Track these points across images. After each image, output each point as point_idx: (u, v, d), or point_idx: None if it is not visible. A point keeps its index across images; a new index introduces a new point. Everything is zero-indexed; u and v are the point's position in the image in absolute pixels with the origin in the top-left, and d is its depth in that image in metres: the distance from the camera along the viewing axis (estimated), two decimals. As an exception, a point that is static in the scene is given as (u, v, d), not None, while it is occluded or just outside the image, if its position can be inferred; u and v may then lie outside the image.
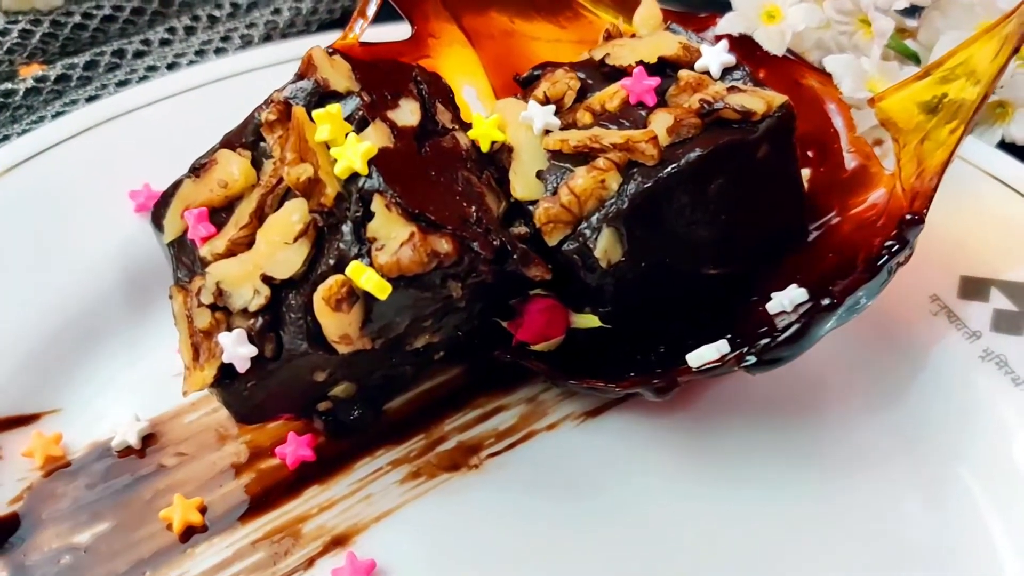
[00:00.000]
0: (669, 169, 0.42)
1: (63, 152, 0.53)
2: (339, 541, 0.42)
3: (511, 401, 0.47)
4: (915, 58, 0.54)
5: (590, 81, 0.47)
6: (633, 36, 0.49)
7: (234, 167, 0.42)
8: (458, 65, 0.54)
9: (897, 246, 0.41)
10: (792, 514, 0.43)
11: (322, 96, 0.41)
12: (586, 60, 0.49)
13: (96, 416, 0.47)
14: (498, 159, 0.45)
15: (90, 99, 0.60)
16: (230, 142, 0.43)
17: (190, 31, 0.67)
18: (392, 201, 0.38)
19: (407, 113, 0.43)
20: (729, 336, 0.44)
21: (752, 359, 0.41)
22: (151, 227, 0.47)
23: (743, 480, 0.44)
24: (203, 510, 0.43)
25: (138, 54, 0.64)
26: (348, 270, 0.38)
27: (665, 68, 0.46)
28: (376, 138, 0.40)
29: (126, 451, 0.46)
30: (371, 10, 0.51)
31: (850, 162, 0.49)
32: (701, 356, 0.42)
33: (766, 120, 0.43)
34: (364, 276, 0.37)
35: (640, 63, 0.46)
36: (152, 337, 0.50)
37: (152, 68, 0.62)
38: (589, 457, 0.45)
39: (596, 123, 0.45)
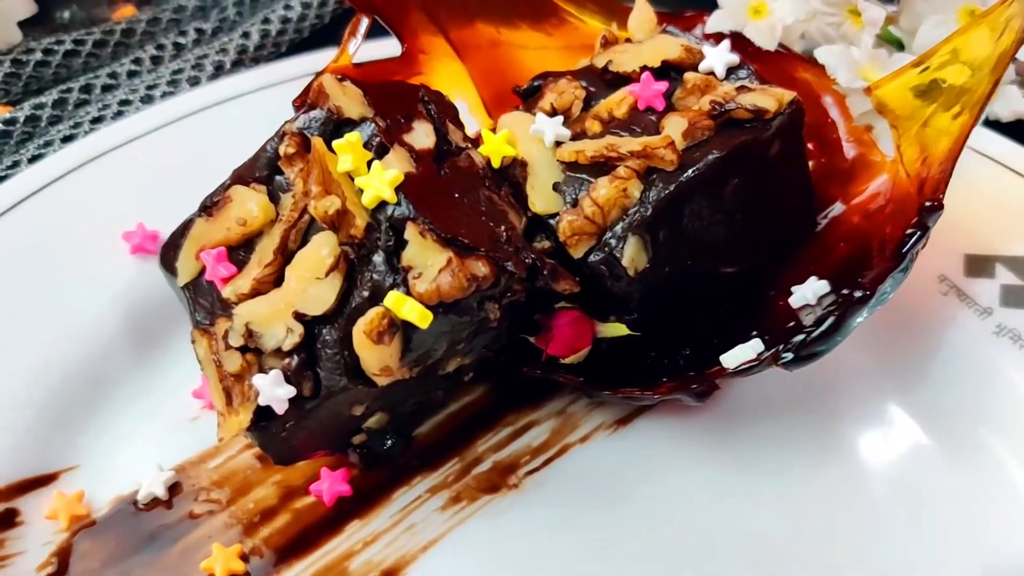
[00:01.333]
0: (690, 173, 0.42)
1: (49, 198, 0.51)
2: (389, 575, 0.42)
3: (541, 416, 0.47)
4: (898, 44, 0.55)
5: (593, 89, 0.47)
6: (628, 41, 0.50)
7: (252, 203, 0.40)
8: (448, 79, 0.53)
9: (919, 233, 0.42)
10: (828, 498, 0.44)
11: (336, 125, 0.41)
12: (586, 68, 0.49)
13: (116, 469, 0.45)
14: (511, 174, 0.44)
15: (66, 139, 0.57)
16: (242, 177, 0.42)
17: (157, 61, 0.65)
18: (426, 228, 0.37)
19: (422, 135, 0.42)
20: (754, 333, 0.45)
21: (789, 355, 0.41)
22: (155, 269, 0.45)
23: (776, 470, 0.45)
24: (244, 557, 0.42)
25: (107, 88, 0.62)
26: (388, 301, 0.37)
27: (669, 72, 0.46)
28: (398, 164, 0.39)
29: (152, 503, 0.44)
30: (362, 29, 0.50)
31: (849, 151, 0.50)
32: (736, 356, 0.42)
33: (778, 117, 0.43)
34: (406, 307, 0.36)
35: (644, 68, 0.46)
36: (163, 382, 0.48)
37: (125, 102, 0.60)
38: (627, 466, 0.45)
39: (606, 131, 0.45)
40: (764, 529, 0.43)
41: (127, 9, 0.70)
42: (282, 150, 0.40)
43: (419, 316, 0.37)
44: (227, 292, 0.40)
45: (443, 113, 0.44)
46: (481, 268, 0.38)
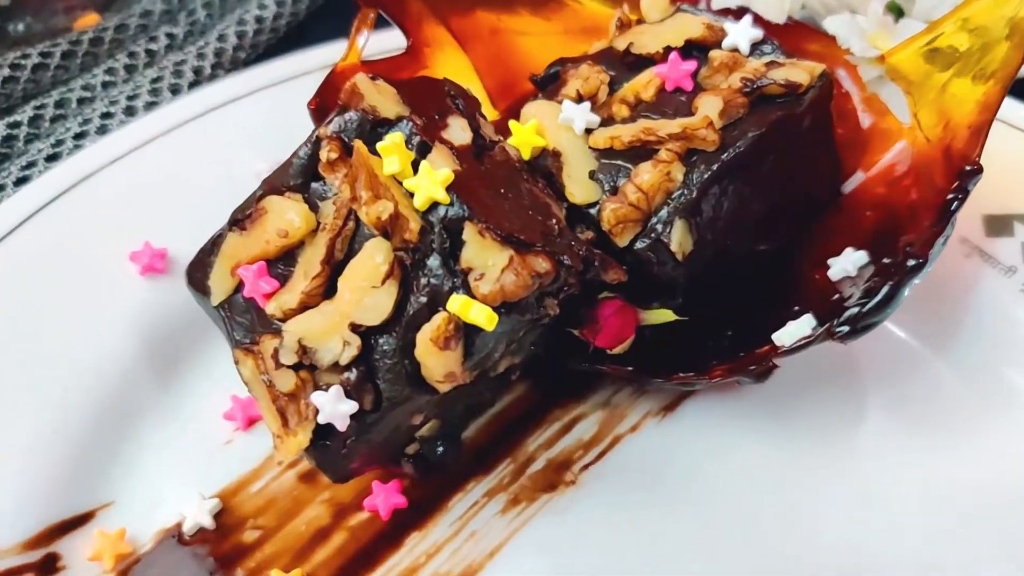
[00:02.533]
0: (731, 153, 0.42)
1: (46, 222, 0.49)
2: (458, 586, 0.40)
3: (586, 409, 0.46)
4: (899, 11, 0.55)
5: (614, 73, 0.46)
6: (639, 22, 0.49)
7: (292, 213, 0.39)
8: (453, 72, 0.52)
9: (961, 196, 0.42)
10: (884, 468, 0.44)
11: (372, 125, 0.39)
12: (603, 51, 0.48)
13: (154, 502, 0.43)
14: (542, 165, 0.43)
15: (50, 158, 0.54)
16: (275, 187, 0.40)
17: (131, 69, 0.62)
18: (484, 227, 0.36)
19: (458, 131, 0.40)
20: (796, 308, 0.45)
21: (845, 328, 0.41)
22: (168, 289, 0.44)
23: (829, 445, 0.45)
24: (306, 581, 0.40)
25: (83, 100, 0.59)
26: (453, 306, 0.36)
27: (692, 51, 0.45)
28: (443, 163, 0.38)
29: (199, 534, 0.42)
30: (369, 25, 0.49)
31: (865, 120, 0.50)
32: (791, 334, 0.42)
33: (810, 91, 0.43)
34: (473, 310, 0.35)
35: (667, 48, 0.45)
36: (188, 406, 0.46)
37: (107, 115, 0.57)
38: (681, 451, 0.44)
39: (635, 115, 0.44)
40: (822, 495, 0.43)
41: (90, 17, 0.66)
42: (323, 155, 0.38)
43: (487, 319, 0.36)
44: (271, 308, 0.38)
45: (471, 107, 0.43)
46: (542, 264, 0.37)
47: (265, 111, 0.55)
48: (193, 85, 0.60)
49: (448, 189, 0.37)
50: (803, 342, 0.42)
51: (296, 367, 0.38)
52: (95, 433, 0.44)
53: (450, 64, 0.52)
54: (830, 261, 0.46)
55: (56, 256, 0.48)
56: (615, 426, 0.45)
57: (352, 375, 0.37)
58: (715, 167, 0.41)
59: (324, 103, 0.46)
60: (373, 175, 0.37)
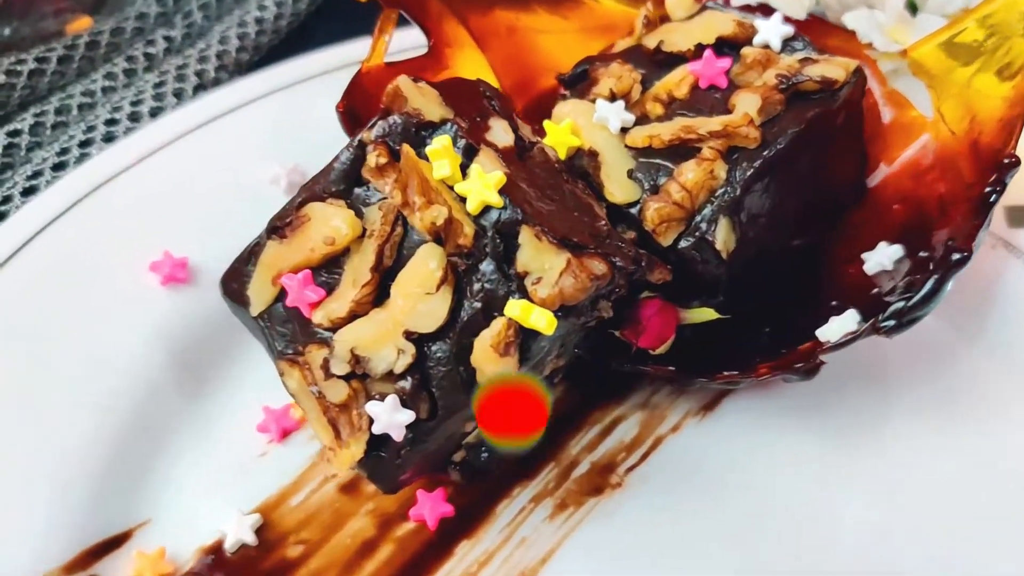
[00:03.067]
0: (773, 150, 0.41)
1: (62, 233, 0.47)
2: (513, 594, 0.40)
3: (626, 410, 0.46)
4: (912, 6, 0.55)
5: (643, 71, 0.46)
6: (663, 19, 0.49)
7: (338, 220, 0.38)
8: (472, 71, 0.51)
9: (1000, 189, 0.42)
10: (925, 458, 0.44)
11: (416, 128, 0.38)
12: (631, 49, 0.48)
13: (190, 518, 0.42)
14: (578, 165, 0.43)
15: (57, 167, 0.53)
16: (315, 194, 0.39)
17: (131, 74, 0.60)
18: (540, 230, 0.36)
19: (500, 132, 0.40)
20: (834, 303, 0.45)
21: (891, 323, 0.41)
22: (191, 299, 0.43)
23: (870, 438, 0.44)
24: (356, 595, 0.40)
25: (84, 107, 0.57)
26: (512, 311, 0.35)
27: (723, 48, 0.45)
28: (491, 165, 0.37)
29: (241, 550, 0.41)
30: (391, 27, 0.48)
31: (886, 115, 0.50)
32: (836, 330, 0.42)
33: (845, 87, 0.43)
34: (534, 315, 0.35)
35: (699, 45, 0.45)
36: (220, 419, 0.45)
37: (112, 121, 0.56)
38: (724, 450, 0.44)
39: (669, 113, 0.44)
40: (863, 489, 0.43)
41: (82, 21, 0.64)
42: (371, 160, 0.37)
43: (547, 323, 0.35)
44: (319, 317, 0.37)
45: (507, 107, 0.42)
46: (599, 267, 0.36)
47: (276, 115, 0.53)
48: (197, 89, 0.59)
49: (500, 192, 0.36)
50: (849, 337, 0.42)
51: (347, 377, 0.37)
52: (127, 451, 0.43)
53: (469, 64, 0.52)
54: (864, 256, 0.46)
55: (74, 269, 0.46)
56: (656, 427, 0.45)
57: (407, 383, 0.36)
58: (757, 164, 0.41)
59: (352, 105, 0.46)
60: (425, 180, 0.36)
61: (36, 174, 0.52)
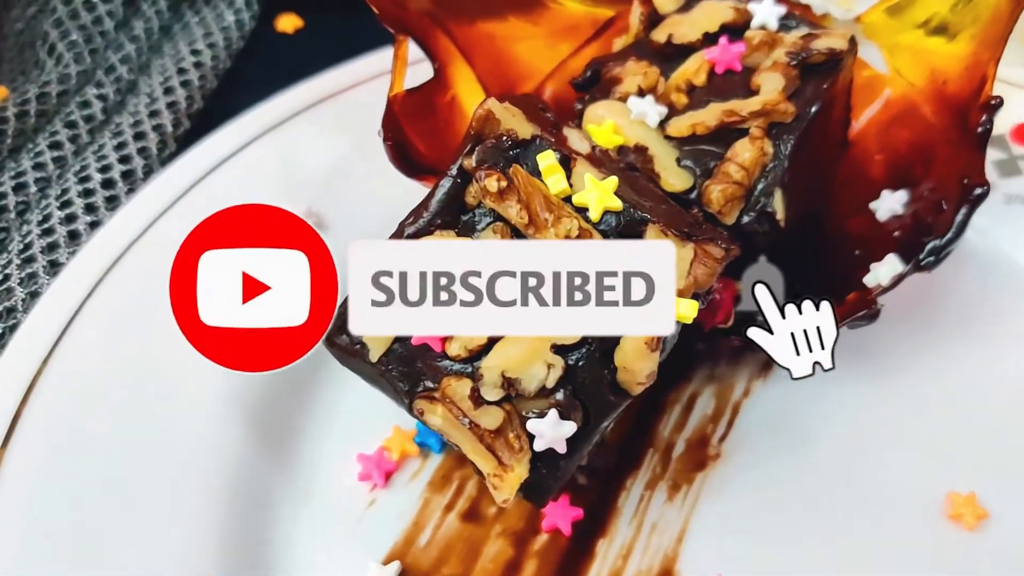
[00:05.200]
0: (806, 121, 0.45)
1: (101, 311, 0.44)
2: (666, 576, 0.41)
3: (697, 386, 0.48)
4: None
5: (657, 65, 0.48)
6: (653, 13, 0.51)
7: (458, 251, 0.37)
8: (465, 86, 0.52)
9: (990, 127, 0.48)
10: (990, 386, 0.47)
11: (513, 147, 0.39)
12: (634, 45, 0.50)
13: (325, 580, 0.40)
14: (628, 162, 0.45)
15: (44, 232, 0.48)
16: (422, 228, 0.39)
17: (75, 139, 0.56)
18: (665, 226, 0.37)
19: (577, 141, 0.41)
20: (858, 252, 0.49)
21: (932, 259, 0.46)
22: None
23: (933, 385, 0.48)
24: (520, 618, 0.40)
25: (40, 180, 0.53)
26: (656, 307, 0.37)
27: (725, 34, 0.48)
28: (592, 173, 0.38)
29: (388, 602, 0.40)
30: (405, 54, 0.48)
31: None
32: (886, 273, 0.46)
33: (847, 55, 0.47)
34: (683, 306, 0.36)
35: (706, 34, 0.48)
36: (317, 479, 0.44)
37: (85, 178, 0.52)
38: (795, 403, 0.47)
39: (694, 100, 0.46)
40: (920, 422, 0.47)
41: (-2, 91, 0.59)
42: (491, 186, 0.37)
43: (691, 309, 0.37)
44: (455, 349, 0.37)
45: (562, 117, 0.43)
46: (717, 251, 0.38)
47: (273, 155, 0.52)
48: (161, 146, 0.56)
49: (617, 195, 0.37)
50: (897, 278, 0.46)
51: (499, 402, 0.37)
52: (240, 534, 0.41)
53: (461, 78, 0.52)
54: (872, 205, 0.50)
55: (129, 346, 0.43)
56: (729, 396, 0.48)
57: (561, 396, 0.37)
58: (795, 135, 0.45)
59: (394, 135, 0.45)
60: (547, 196, 0.37)
61: (26, 247, 0.48)
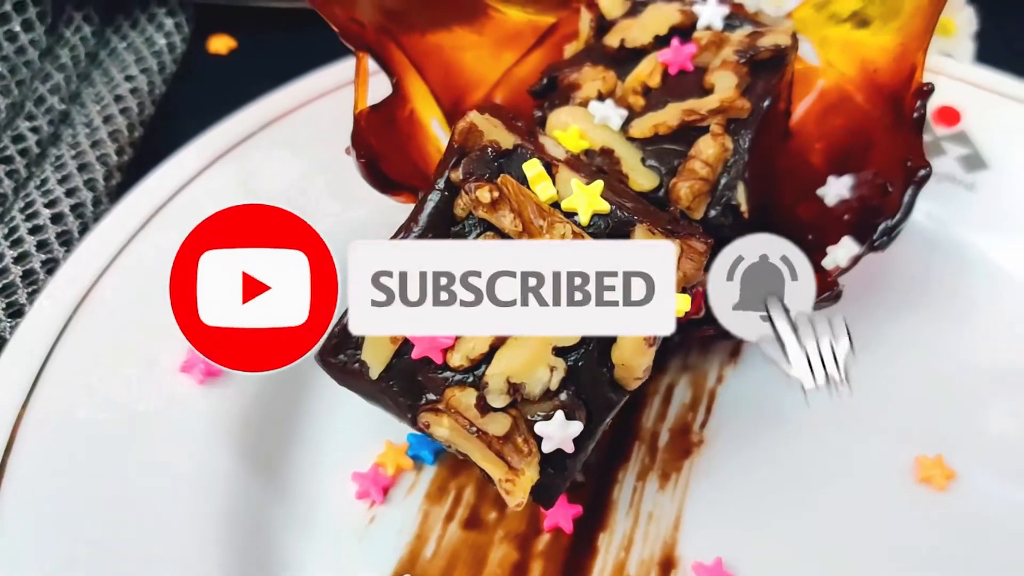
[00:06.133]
0: (758, 115, 0.47)
1: (67, 362, 0.42)
2: (667, 565, 0.43)
3: (672, 377, 0.50)
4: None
5: (611, 69, 0.50)
6: (601, 19, 0.52)
7: (454, 262, 0.38)
8: (420, 99, 0.53)
9: (924, 111, 0.51)
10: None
11: (498, 158, 0.39)
12: (586, 51, 0.51)
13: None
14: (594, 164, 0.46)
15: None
16: (413, 244, 0.39)
17: (12, 175, 0.54)
18: (652, 224, 0.39)
19: (553, 147, 0.42)
20: (811, 237, 0.51)
21: (885, 239, 0.48)
22: (243, 388, 0.41)
23: (891, 358, 0.50)
24: (533, 617, 0.41)
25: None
26: (651, 303, 0.38)
27: (674, 36, 0.50)
28: (580, 177, 0.39)
29: (404, 617, 0.40)
30: (366, 71, 0.48)
31: (783, 70, 0.58)
32: (843, 255, 0.48)
33: (790, 49, 0.50)
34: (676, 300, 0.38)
35: (657, 37, 0.49)
36: (315, 503, 0.44)
37: (36, 229, 0.50)
38: (766, 385, 0.49)
39: (651, 102, 0.48)
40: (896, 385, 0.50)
41: (-80, 129, 0.57)
42: (484, 197, 0.38)
43: (683, 304, 0.38)
44: (457, 359, 0.38)
45: (530, 124, 0.44)
46: (699, 245, 0.40)
47: (233, 177, 0.51)
48: (108, 176, 0.54)
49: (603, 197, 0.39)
50: (854, 259, 0.48)
51: (505, 408, 0.38)
52: (241, 564, 0.40)
53: (418, 92, 0.53)
54: (820, 192, 0.53)
55: (103, 396, 0.42)
56: (704, 383, 0.49)
57: (565, 396, 0.38)
58: (751, 130, 0.47)
59: (366, 152, 0.45)
60: (538, 204, 0.38)
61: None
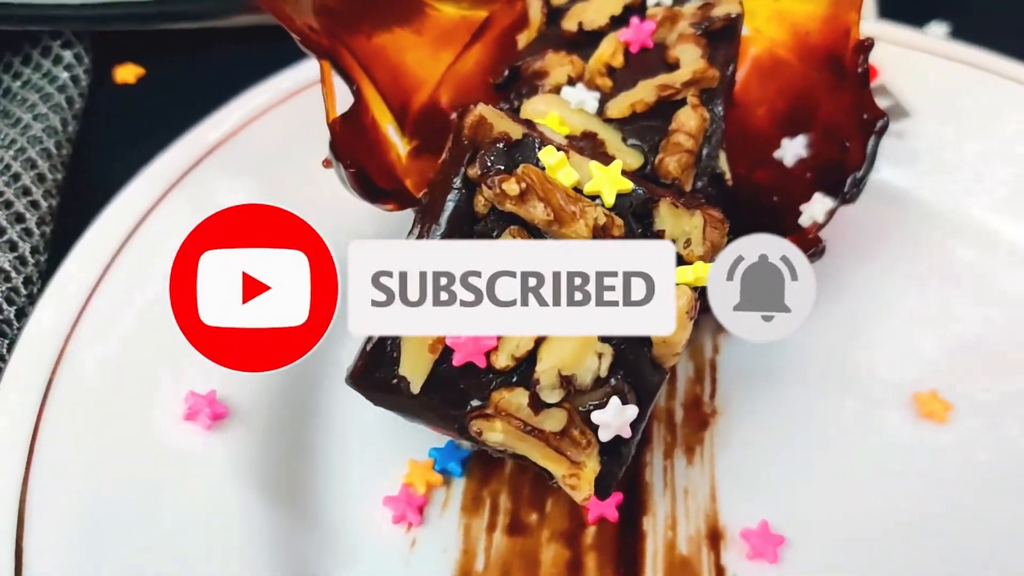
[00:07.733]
0: (726, 83, 0.48)
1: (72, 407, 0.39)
2: (715, 536, 0.43)
3: (671, 352, 0.50)
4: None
5: (573, 53, 0.49)
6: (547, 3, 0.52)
7: (486, 261, 0.36)
8: (379, 107, 0.51)
9: (867, 65, 0.53)
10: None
11: (509, 148, 0.38)
12: (540, 38, 0.51)
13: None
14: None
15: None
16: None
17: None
18: (674, 199, 0.38)
19: (550, 132, 0.41)
20: (776, 199, 0.53)
21: (856, 191, 0.50)
22: (251, 427, 0.39)
23: (873, 306, 0.52)
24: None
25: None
26: (686, 276, 0.37)
27: (631, 15, 0.50)
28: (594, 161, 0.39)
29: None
30: (330, 78, 0.45)
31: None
32: (816, 211, 0.50)
33: (740, 17, 0.51)
34: (705, 271, 0.37)
35: (612, 18, 0.49)
36: (354, 535, 0.42)
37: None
38: (765, 348, 0.49)
39: (619, 82, 0.48)
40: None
41: None
42: (511, 190, 0.36)
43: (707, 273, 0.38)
44: (503, 360, 0.36)
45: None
46: (718, 214, 0.40)
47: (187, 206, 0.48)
48: (40, 220, 0.50)
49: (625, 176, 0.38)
50: (829, 213, 0.50)
51: (559, 403, 0.37)
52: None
53: (372, 97, 0.51)
54: (777, 155, 0.54)
55: (106, 471, 0.38)
56: (703, 355, 0.50)
57: (614, 382, 0.37)
58: (721, 98, 0.47)
59: (352, 161, 0.43)
60: (565, 191, 0.37)
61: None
